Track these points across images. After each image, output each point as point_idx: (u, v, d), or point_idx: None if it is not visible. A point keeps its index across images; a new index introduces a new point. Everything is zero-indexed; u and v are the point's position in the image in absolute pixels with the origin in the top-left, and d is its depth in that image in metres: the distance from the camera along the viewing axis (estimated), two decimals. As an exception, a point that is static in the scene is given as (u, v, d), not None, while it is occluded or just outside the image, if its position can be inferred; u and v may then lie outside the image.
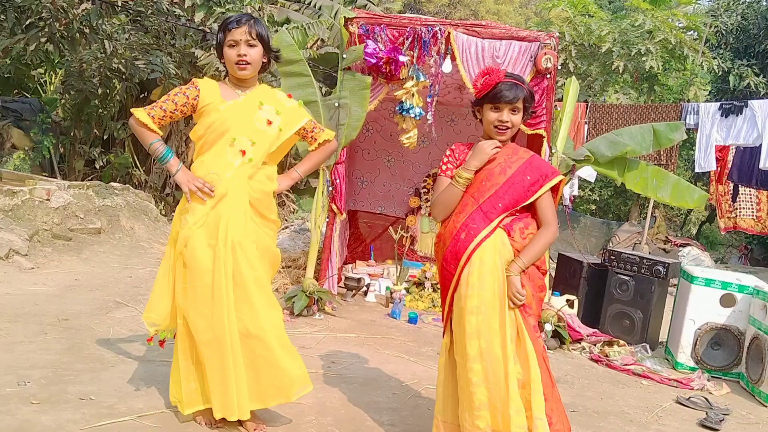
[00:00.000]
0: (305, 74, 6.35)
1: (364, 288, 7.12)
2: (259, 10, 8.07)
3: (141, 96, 11.83)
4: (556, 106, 6.92)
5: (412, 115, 6.35)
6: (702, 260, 13.15)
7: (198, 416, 3.31)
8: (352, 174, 8.37)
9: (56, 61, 11.33)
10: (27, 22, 8.70)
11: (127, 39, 10.29)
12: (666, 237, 15.42)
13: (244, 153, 3.14)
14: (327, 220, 6.67)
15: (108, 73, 10.46)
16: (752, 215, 12.81)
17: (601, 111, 11.25)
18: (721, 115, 10.10)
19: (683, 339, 5.78)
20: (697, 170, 10.66)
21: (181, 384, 3.24)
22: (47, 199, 7.25)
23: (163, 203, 11.08)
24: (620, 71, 14.02)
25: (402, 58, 6.19)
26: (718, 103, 10.42)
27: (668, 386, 5.31)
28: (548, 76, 6.26)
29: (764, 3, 17.92)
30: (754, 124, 9.70)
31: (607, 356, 5.82)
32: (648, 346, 6.16)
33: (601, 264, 6.97)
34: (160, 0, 9.24)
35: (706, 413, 4.64)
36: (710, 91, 17.00)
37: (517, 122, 2.99)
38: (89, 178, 10.71)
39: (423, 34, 6.26)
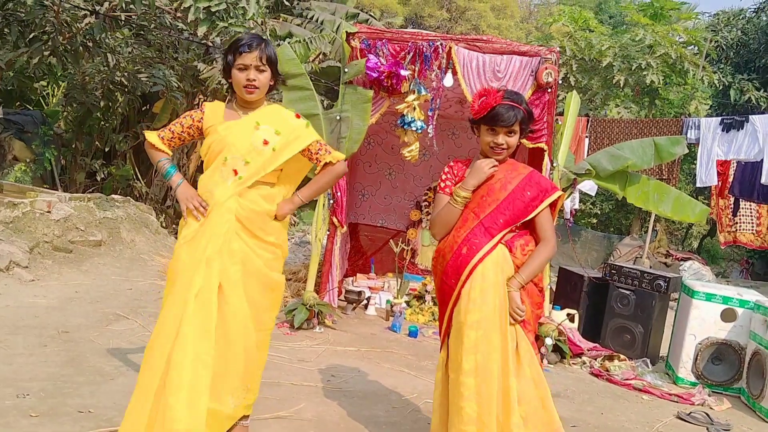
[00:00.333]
0: (307, 88, 6.38)
1: (365, 301, 7.11)
2: (262, 24, 8.10)
3: (143, 109, 11.87)
4: (557, 120, 6.95)
5: (414, 129, 6.37)
6: (703, 274, 13.14)
7: None
8: (353, 187, 8.38)
9: (59, 74, 11.37)
10: (31, 36, 8.74)
11: (130, 52, 10.34)
12: (667, 251, 15.43)
13: (236, 172, 3.12)
14: (328, 233, 6.68)
15: (110, 86, 10.50)
16: (752, 230, 12.80)
17: (602, 125, 11.27)
18: (722, 130, 10.12)
19: (684, 354, 5.76)
20: (698, 185, 10.66)
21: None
22: (48, 211, 7.26)
23: (164, 216, 11.08)
24: (621, 85, 14.07)
25: (403, 72, 6.22)
26: (719, 118, 10.44)
27: (669, 401, 5.29)
28: (549, 90, 6.29)
29: (764, 18, 18.00)
30: (756, 139, 9.71)
31: (607, 371, 5.80)
32: (649, 361, 6.14)
33: (602, 278, 6.96)
34: (163, 14, 9.28)
35: (707, 429, 4.62)
36: (711, 106, 17.05)
37: (513, 144, 3.00)
38: (90, 190, 10.72)
39: (424, 48, 6.30)
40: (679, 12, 15.70)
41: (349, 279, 7.86)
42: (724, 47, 17.79)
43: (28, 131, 11.02)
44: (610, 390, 5.44)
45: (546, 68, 6.18)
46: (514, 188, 2.99)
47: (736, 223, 12.81)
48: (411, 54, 6.33)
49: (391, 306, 6.74)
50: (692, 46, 15.11)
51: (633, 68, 13.72)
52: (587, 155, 10.34)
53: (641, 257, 13.66)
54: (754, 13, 18.55)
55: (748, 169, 11.06)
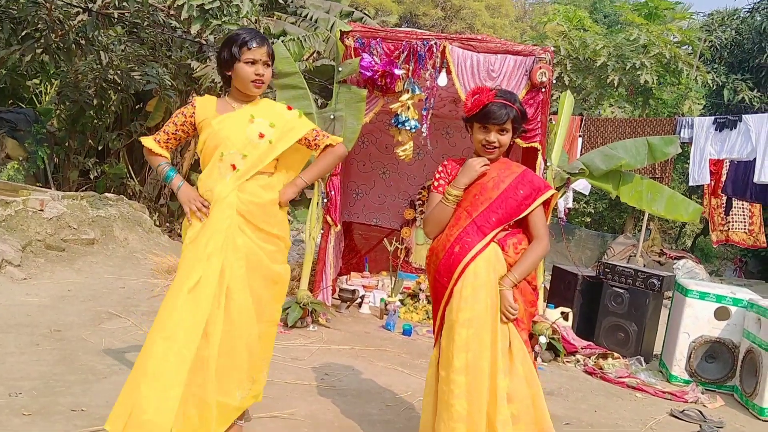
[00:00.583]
0: (301, 87, 6.37)
1: (359, 300, 7.11)
2: (256, 22, 8.09)
3: (136, 107, 11.82)
4: (551, 119, 6.95)
5: (408, 128, 6.36)
6: (697, 273, 13.19)
7: None
8: (347, 186, 8.38)
9: (52, 72, 11.33)
10: (23, 33, 8.70)
11: (123, 50, 10.29)
12: (661, 249, 15.48)
13: (234, 167, 3.11)
14: (322, 231, 6.67)
15: (103, 84, 10.45)
16: (744, 228, 12.84)
17: (596, 124, 11.28)
18: (716, 129, 10.14)
19: (677, 352, 5.78)
20: (691, 183, 10.69)
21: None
22: (41, 210, 7.23)
23: (157, 214, 11.05)
24: (615, 85, 14.10)
25: (397, 72, 6.21)
26: (713, 117, 10.47)
27: (662, 399, 5.31)
28: (543, 90, 6.29)
29: (758, 18, 18.05)
30: (748, 138, 9.74)
31: (601, 369, 5.82)
32: (642, 359, 6.16)
33: (595, 276, 6.98)
34: (156, 12, 9.25)
35: (700, 426, 4.63)
36: (705, 105, 17.10)
37: (505, 142, 3.00)
38: (83, 188, 10.67)
39: (418, 47, 6.30)
40: (673, 12, 15.74)
41: (343, 277, 7.85)
42: (718, 47, 17.83)
43: (20, 129, 10.97)
44: (604, 388, 5.45)
45: (540, 68, 6.19)
46: (506, 187, 2.99)
47: (729, 222, 12.85)
48: (405, 53, 6.33)
49: (385, 304, 6.74)
50: (686, 46, 15.15)
51: (627, 68, 13.75)
52: (581, 154, 10.36)
53: (635, 256, 13.71)
54: (748, 13, 18.60)
55: (741, 169, 11.09)
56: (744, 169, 10.88)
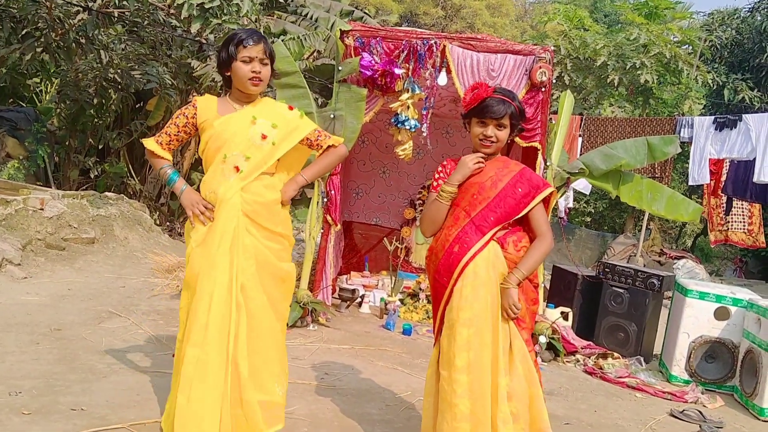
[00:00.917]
0: (301, 86, 6.36)
1: (359, 299, 7.11)
2: (256, 21, 8.07)
3: (137, 106, 11.84)
4: (551, 119, 6.95)
5: (408, 127, 6.36)
6: (697, 273, 13.19)
7: None
8: (347, 185, 8.38)
9: (52, 71, 11.33)
10: (23, 32, 8.70)
11: (123, 49, 10.30)
12: (661, 249, 15.47)
13: (238, 169, 3.12)
14: (322, 230, 6.66)
15: (104, 83, 10.45)
16: (744, 228, 12.84)
17: (596, 124, 11.29)
18: (716, 129, 10.16)
19: (677, 352, 5.78)
20: (690, 183, 10.70)
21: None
22: (41, 209, 7.23)
23: (157, 213, 11.06)
24: (615, 84, 14.10)
25: (397, 71, 6.21)
26: (713, 117, 10.48)
27: (662, 399, 5.31)
28: (543, 89, 6.29)
29: (759, 18, 18.04)
30: (748, 138, 9.74)
31: (601, 369, 5.81)
32: (642, 359, 6.16)
33: (595, 276, 6.98)
34: (157, 11, 9.25)
35: (700, 426, 4.63)
36: (705, 105, 17.10)
37: (502, 138, 3.00)
38: (84, 187, 10.68)
39: (418, 47, 6.29)
40: (673, 11, 15.74)
41: (343, 277, 7.85)
42: (719, 47, 17.83)
43: (21, 128, 10.97)
44: (604, 388, 5.45)
45: (540, 67, 6.18)
46: (504, 185, 2.99)
47: (728, 222, 12.85)
48: (405, 52, 6.32)
49: (385, 304, 6.74)
50: (686, 46, 15.15)
51: (627, 67, 13.75)
52: (581, 154, 10.36)
53: (635, 256, 13.71)
54: (749, 13, 18.61)
55: (741, 168, 11.10)
56: (744, 168, 10.89)
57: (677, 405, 5.13)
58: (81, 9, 8.76)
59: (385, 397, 4.38)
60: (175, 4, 7.91)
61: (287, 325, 5.73)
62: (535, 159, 6.37)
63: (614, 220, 19.78)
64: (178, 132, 3.25)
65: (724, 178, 11.75)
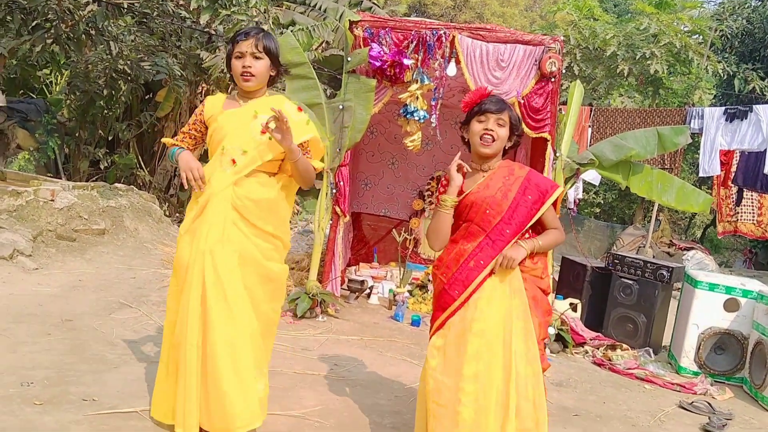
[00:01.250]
0: (310, 77, 6.36)
1: (367, 290, 7.12)
2: (264, 12, 8.06)
3: (146, 97, 11.85)
4: (560, 109, 6.93)
5: (416, 118, 6.35)
6: (706, 264, 13.13)
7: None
8: (356, 176, 8.37)
9: (62, 62, 11.36)
10: (33, 24, 8.71)
11: (132, 40, 10.32)
12: (670, 240, 15.40)
13: (234, 162, 3.14)
14: (330, 222, 6.68)
15: (113, 75, 10.48)
16: (753, 219, 12.77)
17: (605, 114, 11.24)
18: (726, 120, 10.09)
19: (686, 343, 5.77)
20: (701, 174, 10.64)
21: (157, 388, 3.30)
22: (51, 200, 7.27)
23: (167, 204, 11.09)
24: (625, 75, 14.01)
25: (406, 62, 6.20)
26: (723, 108, 10.40)
27: (671, 390, 5.31)
28: (552, 79, 6.27)
29: (770, 7, 17.88)
30: (759, 129, 9.68)
31: (610, 360, 5.82)
32: (651, 350, 6.16)
33: (604, 268, 6.97)
34: (166, 2, 9.26)
35: (709, 418, 4.63)
36: (715, 95, 16.97)
37: (503, 136, 3.02)
38: (94, 178, 10.72)
39: (428, 37, 6.28)
40: (683, 1, 15.60)
41: (352, 268, 7.87)
42: (729, 36, 17.67)
43: (31, 120, 11.01)
44: (613, 379, 5.45)
45: (549, 57, 6.16)
46: (515, 195, 3.01)
47: (738, 212, 12.78)
48: (414, 43, 6.31)
49: (394, 295, 6.75)
50: (697, 35, 15.02)
51: (637, 57, 13.65)
52: (590, 145, 10.32)
53: (644, 247, 13.66)
54: (760, 2, 18.42)
55: (751, 159, 11.02)
56: (755, 159, 10.82)
57: (686, 396, 5.13)
58: (90, 0, 8.77)
59: (394, 387, 4.40)
60: (184, -4, 7.93)
61: (296, 315, 5.81)
62: (545, 150, 6.35)
63: (623, 211, 19.70)
64: (190, 129, 3.36)
65: (734, 169, 11.67)
